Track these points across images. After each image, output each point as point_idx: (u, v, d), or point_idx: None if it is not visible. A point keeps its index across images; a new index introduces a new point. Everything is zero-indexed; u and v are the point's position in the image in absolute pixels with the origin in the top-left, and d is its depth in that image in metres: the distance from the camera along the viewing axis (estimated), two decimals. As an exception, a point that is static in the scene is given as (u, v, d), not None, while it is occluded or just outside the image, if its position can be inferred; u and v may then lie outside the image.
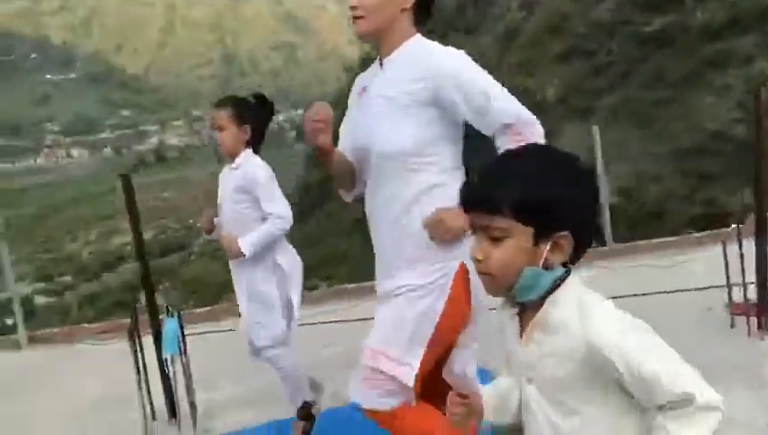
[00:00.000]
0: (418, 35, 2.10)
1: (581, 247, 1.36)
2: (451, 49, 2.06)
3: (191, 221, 24.41)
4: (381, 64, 2.12)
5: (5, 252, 5.81)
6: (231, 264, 3.26)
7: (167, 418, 3.92)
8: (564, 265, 1.36)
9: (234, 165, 3.15)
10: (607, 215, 6.31)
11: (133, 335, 3.78)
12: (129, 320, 3.94)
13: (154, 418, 3.96)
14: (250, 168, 3.09)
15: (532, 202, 1.30)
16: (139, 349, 3.93)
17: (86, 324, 6.06)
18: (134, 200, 3.71)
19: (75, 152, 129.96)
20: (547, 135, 2.04)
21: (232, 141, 3.10)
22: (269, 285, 3.14)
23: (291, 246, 3.29)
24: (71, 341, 5.72)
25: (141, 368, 3.92)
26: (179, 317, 3.82)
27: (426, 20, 2.12)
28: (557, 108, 22.93)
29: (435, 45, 2.07)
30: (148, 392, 3.94)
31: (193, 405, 3.88)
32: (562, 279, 1.36)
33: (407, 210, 2.07)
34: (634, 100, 20.44)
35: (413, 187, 2.04)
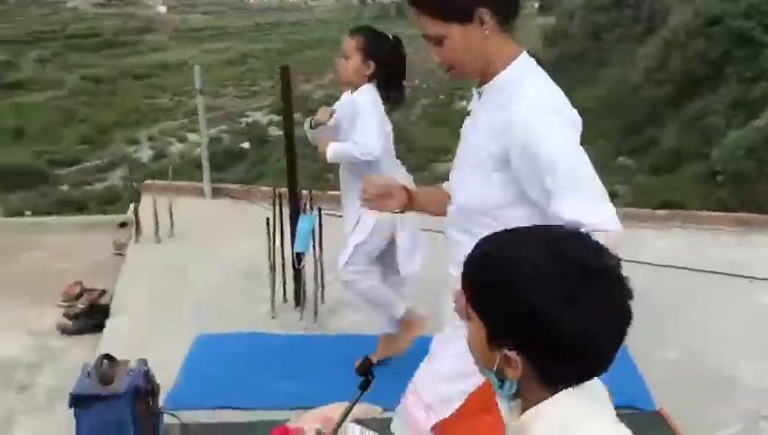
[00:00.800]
0: (523, 56, 1.70)
1: (558, 377, 1.04)
2: (540, 93, 1.65)
3: (416, 81, 24.45)
4: (480, 93, 1.78)
5: (202, 103, 6.23)
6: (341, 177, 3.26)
7: (294, 304, 4.08)
8: (548, 381, 1.05)
9: (351, 94, 3.08)
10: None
11: (271, 225, 3.91)
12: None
13: (285, 300, 4.15)
14: (360, 97, 3.01)
15: (477, 298, 1.06)
16: (279, 234, 4.08)
17: (263, 187, 6.37)
18: (290, 91, 3.71)
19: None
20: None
21: (352, 72, 3.02)
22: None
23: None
24: (248, 199, 6.08)
25: (280, 251, 4.08)
26: (320, 214, 3.87)
27: (512, 19, 1.70)
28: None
29: (526, 84, 1.67)
30: (283, 275, 4.11)
31: (319, 299, 3.99)
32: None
33: None
34: None
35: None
